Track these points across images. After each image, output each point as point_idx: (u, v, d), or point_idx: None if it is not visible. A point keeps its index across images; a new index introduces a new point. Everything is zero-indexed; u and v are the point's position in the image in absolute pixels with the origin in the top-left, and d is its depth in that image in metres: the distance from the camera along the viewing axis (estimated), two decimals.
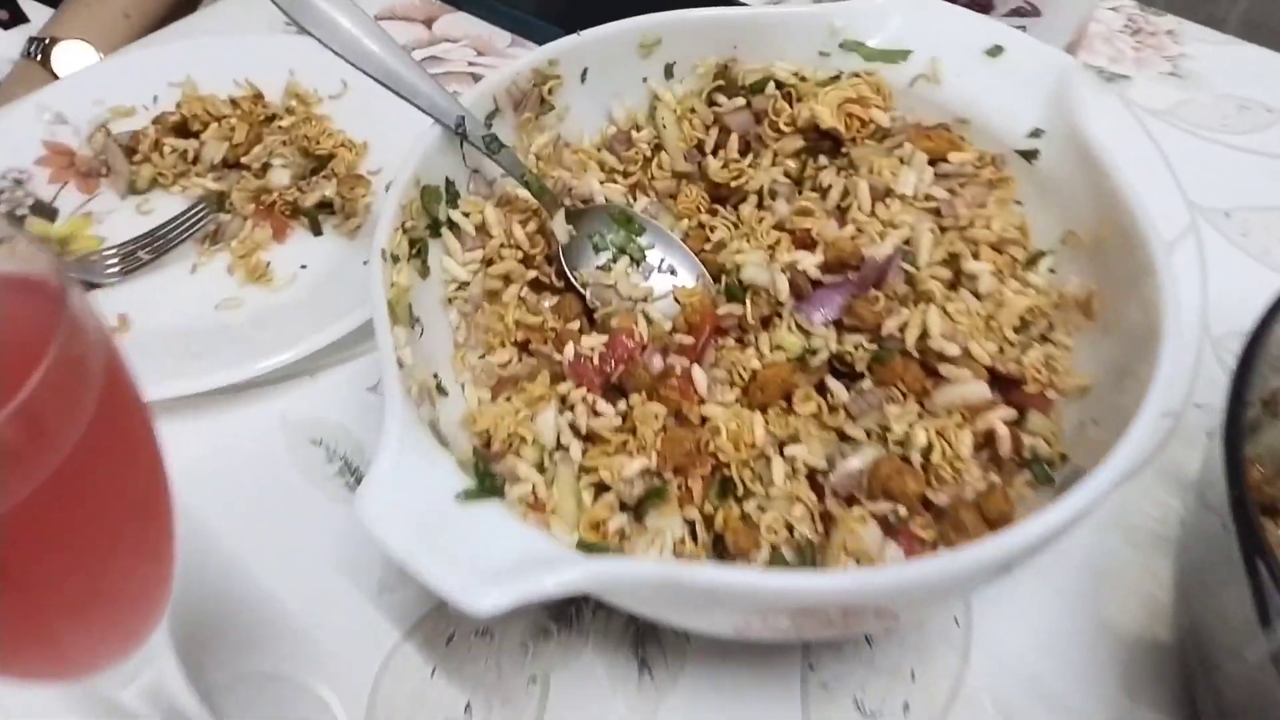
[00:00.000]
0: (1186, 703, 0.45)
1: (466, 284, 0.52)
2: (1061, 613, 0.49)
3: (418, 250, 0.49)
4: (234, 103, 0.73)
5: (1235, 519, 0.38)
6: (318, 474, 0.55)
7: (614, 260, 0.55)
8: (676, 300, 0.54)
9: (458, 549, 0.35)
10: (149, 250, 0.65)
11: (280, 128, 0.72)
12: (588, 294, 0.53)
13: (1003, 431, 0.45)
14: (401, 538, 0.35)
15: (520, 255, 0.54)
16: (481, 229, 0.53)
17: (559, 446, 0.47)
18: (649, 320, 0.52)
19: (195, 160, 0.70)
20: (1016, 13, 0.63)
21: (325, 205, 0.67)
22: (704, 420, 0.48)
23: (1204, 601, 0.45)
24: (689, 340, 0.51)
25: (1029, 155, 0.52)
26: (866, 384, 0.48)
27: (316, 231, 0.67)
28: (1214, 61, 0.79)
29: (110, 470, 0.28)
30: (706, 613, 0.38)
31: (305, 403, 0.58)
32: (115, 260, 0.65)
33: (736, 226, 0.55)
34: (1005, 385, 0.47)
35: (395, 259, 0.47)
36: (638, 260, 0.55)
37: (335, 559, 0.51)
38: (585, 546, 0.45)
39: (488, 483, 0.40)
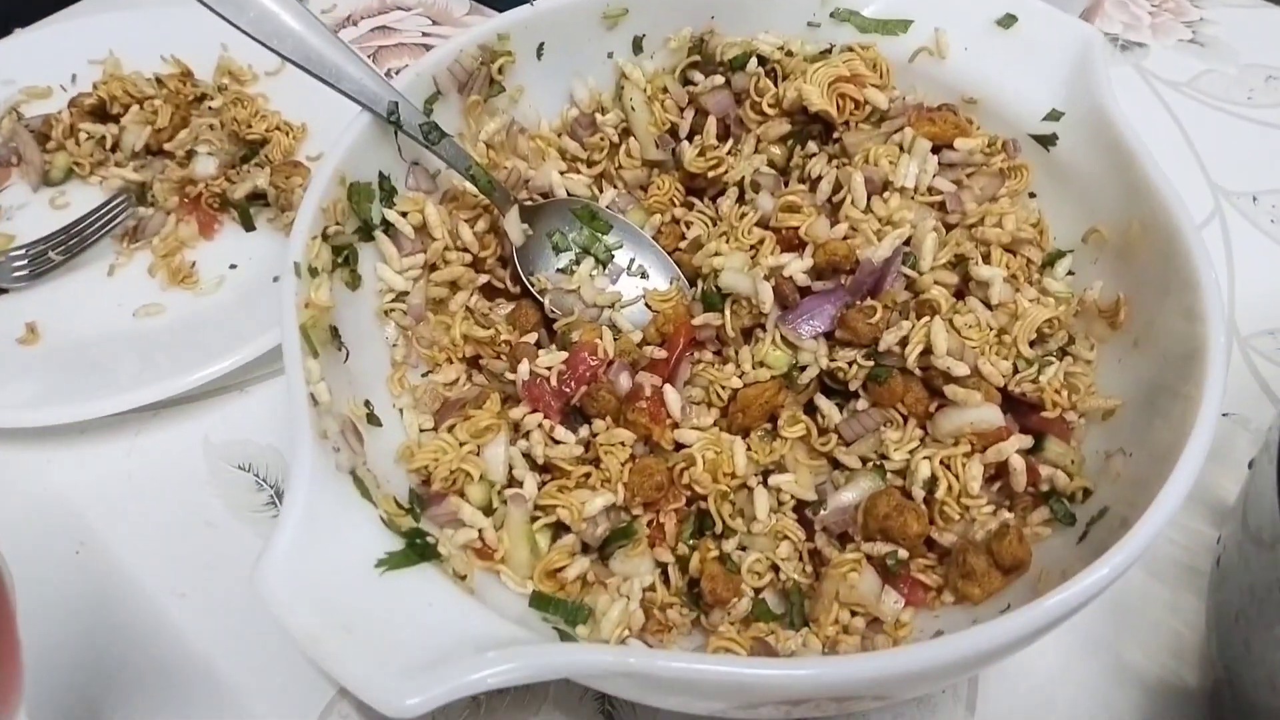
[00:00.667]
0: None
1: (406, 293, 0.46)
2: (1076, 654, 0.44)
3: (345, 258, 0.43)
4: (159, 81, 0.66)
5: None
6: (244, 505, 0.49)
7: (577, 262, 0.49)
8: (648, 306, 0.47)
9: (376, 634, 0.30)
10: (61, 250, 0.58)
11: (210, 109, 0.65)
12: (546, 301, 0.47)
13: (1018, 464, 0.39)
14: (308, 622, 0.29)
15: (469, 258, 0.48)
16: (422, 230, 0.46)
17: (511, 482, 0.41)
18: (616, 331, 0.46)
19: (115, 148, 0.63)
20: None
21: (258, 197, 0.61)
22: (678, 447, 0.43)
23: (1247, 651, 0.39)
24: (661, 354, 0.45)
25: (1046, 141, 0.46)
26: (861, 405, 0.43)
27: (248, 226, 0.60)
28: (1238, 27, 0.73)
29: None
30: (674, 699, 0.32)
31: (232, 422, 0.52)
32: (24, 261, 0.58)
33: (715, 223, 0.49)
34: (1019, 408, 0.41)
35: (314, 272, 0.40)
36: (604, 262, 0.49)
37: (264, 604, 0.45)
38: (540, 600, 0.39)
39: (417, 542, 0.34)
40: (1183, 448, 0.33)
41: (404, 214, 0.45)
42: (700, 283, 0.46)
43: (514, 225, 0.47)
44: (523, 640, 0.30)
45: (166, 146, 0.63)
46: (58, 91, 0.68)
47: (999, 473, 0.40)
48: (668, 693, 0.30)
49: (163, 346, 0.54)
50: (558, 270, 0.48)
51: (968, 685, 0.42)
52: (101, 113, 0.65)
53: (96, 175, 0.63)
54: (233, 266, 0.59)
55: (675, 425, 0.43)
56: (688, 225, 0.50)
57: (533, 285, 0.48)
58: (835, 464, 0.42)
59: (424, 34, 0.76)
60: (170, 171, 0.61)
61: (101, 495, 0.49)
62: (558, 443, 0.42)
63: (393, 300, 0.45)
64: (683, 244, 0.50)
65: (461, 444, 0.40)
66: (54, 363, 0.54)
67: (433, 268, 0.47)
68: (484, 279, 0.48)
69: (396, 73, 0.46)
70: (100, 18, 0.73)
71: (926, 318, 0.41)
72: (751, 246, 0.46)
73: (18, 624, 0.27)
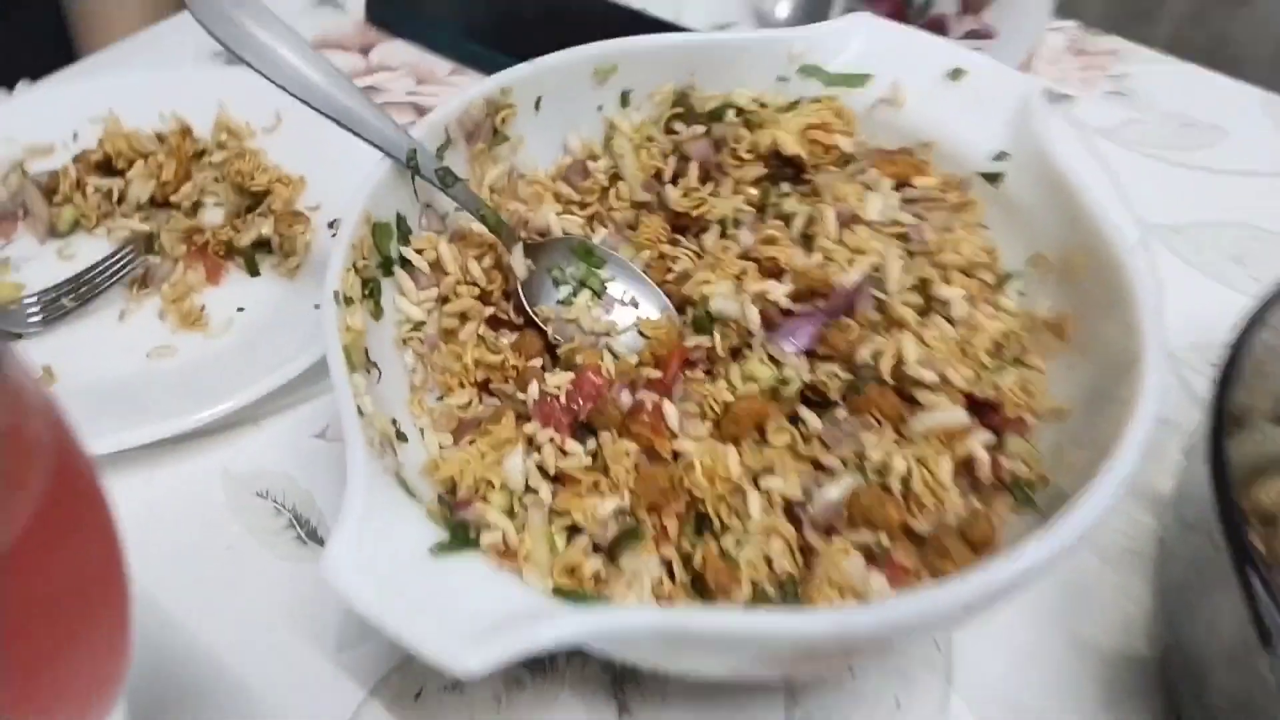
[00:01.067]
0: (1168, 716, 0.45)
1: (422, 324, 0.50)
2: (1039, 632, 0.48)
3: (370, 291, 0.47)
4: (160, 138, 0.70)
5: (1225, 535, 0.38)
6: (265, 529, 0.52)
7: (575, 294, 0.53)
8: (641, 334, 0.52)
9: (438, 606, 0.33)
10: (73, 297, 0.61)
11: (211, 164, 0.68)
12: (549, 329, 0.51)
13: (982, 455, 0.44)
14: (375, 599, 0.32)
15: (477, 292, 0.52)
16: (436, 266, 0.50)
17: (528, 490, 0.45)
18: (614, 355, 0.50)
19: (120, 200, 0.67)
20: (972, 35, 0.63)
21: (262, 244, 0.64)
22: (676, 456, 0.47)
23: (1188, 619, 0.44)
24: (657, 374, 0.49)
25: (993, 178, 0.51)
26: (841, 413, 0.47)
27: (253, 272, 0.64)
28: (1157, 80, 0.81)
29: (64, 544, 0.25)
30: (703, 657, 0.36)
31: (247, 453, 0.55)
32: (37, 308, 0.61)
33: (700, 256, 0.54)
34: (982, 409, 0.46)
35: (349, 301, 0.44)
36: (599, 293, 0.53)
37: (289, 618, 0.48)
38: (561, 593, 0.42)
39: (461, 534, 0.37)
40: (1124, 437, 0.38)
41: (419, 251, 0.49)
42: (690, 309, 0.51)
43: (519, 261, 0.52)
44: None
45: (172, 199, 0.66)
46: (59, 148, 0.71)
47: (967, 466, 0.45)
48: (703, 649, 0.34)
49: (177, 385, 0.57)
50: (558, 302, 0.53)
51: (945, 660, 0.47)
52: (107, 167, 0.68)
53: (103, 226, 0.66)
54: (240, 309, 0.62)
55: (674, 436, 0.47)
56: (674, 260, 0.54)
57: (536, 315, 0.52)
58: (819, 466, 0.47)
59: (409, 93, 0.80)
60: (176, 222, 0.65)
61: (125, 524, 0.52)
62: (568, 454, 0.46)
63: (410, 330, 0.49)
64: (670, 277, 0.54)
65: (483, 455, 0.44)
66: (72, 403, 0.55)
67: (445, 300, 0.51)
68: (490, 311, 0.52)
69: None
70: (98, 79, 0.76)
71: (897, 332, 0.46)
72: (736, 275, 0.51)
73: (131, 606, 0.30)
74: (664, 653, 0.35)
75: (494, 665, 0.31)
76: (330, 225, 0.66)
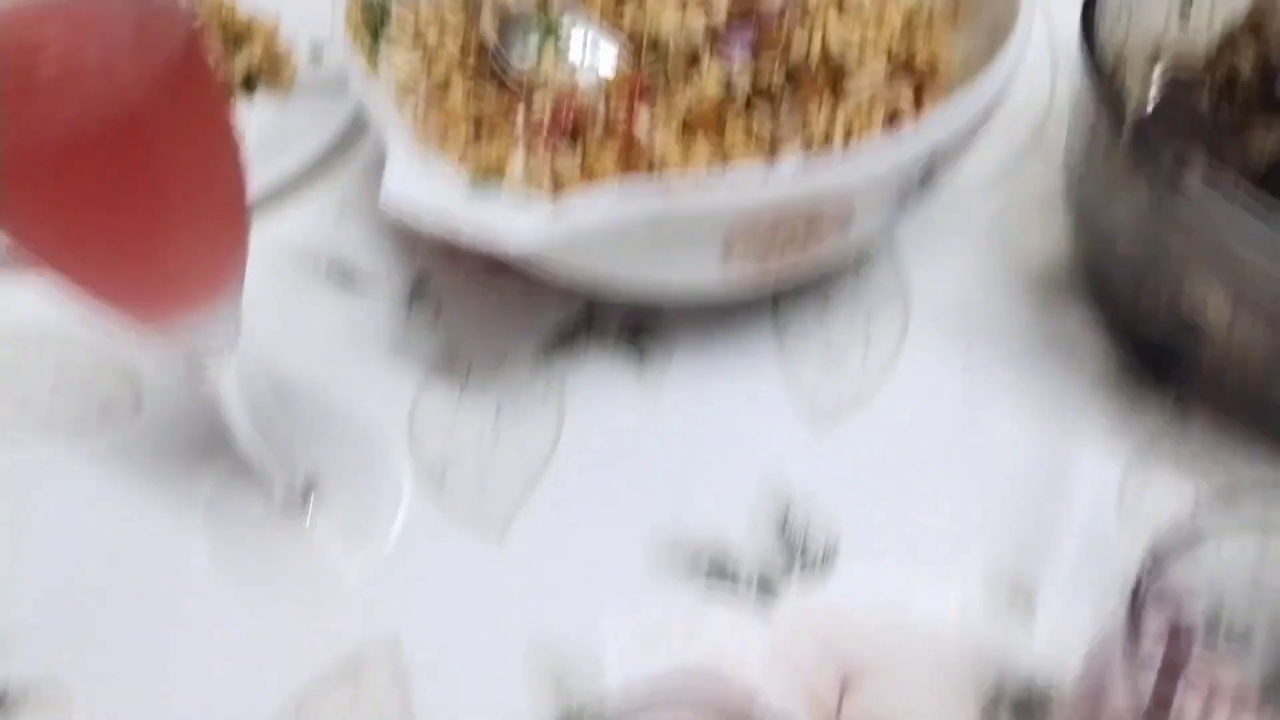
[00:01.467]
0: (1086, 299, 0.55)
1: (413, 90, 0.57)
2: (979, 256, 0.58)
3: (368, 54, 0.54)
4: None
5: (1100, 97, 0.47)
6: (307, 284, 0.59)
7: (541, 49, 0.60)
8: (605, 77, 0.60)
9: (486, 208, 0.41)
10: None
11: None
12: (524, 82, 0.59)
13: (907, 105, 0.53)
14: (435, 198, 0.40)
15: (457, 56, 0.59)
16: (418, 36, 0.58)
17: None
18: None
19: None
20: None
21: (253, 78, 0.71)
22: (652, 155, 0.55)
23: (1095, 220, 0.53)
24: (624, 100, 0.57)
25: None
26: (785, 98, 0.55)
27: (250, 90, 0.71)
28: None
29: (193, 117, 0.33)
30: (694, 232, 0.44)
31: (281, 233, 0.62)
32: None
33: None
34: (901, 73, 0.55)
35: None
36: (563, 50, 0.61)
37: (345, 341, 0.56)
38: None
39: (490, 175, 0.46)
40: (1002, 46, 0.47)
41: (402, 24, 0.57)
42: (644, 43, 0.59)
43: (489, 27, 0.59)
44: None
45: None
46: None
47: (894, 119, 0.54)
48: (696, 217, 0.42)
49: None
50: (528, 60, 0.60)
51: (900, 284, 0.57)
52: None
53: None
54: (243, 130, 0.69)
55: (645, 139, 0.55)
56: (622, 14, 0.62)
57: (511, 73, 0.59)
58: (774, 146, 0.55)
59: None
60: None
61: None
62: (559, 163, 0.54)
63: (404, 93, 0.56)
64: (622, 26, 0.62)
65: (495, 149, 0.52)
66: None
67: (430, 67, 0.58)
68: (470, 77, 0.60)
69: None
70: None
71: (821, 23, 0.55)
72: (679, 9, 0.59)
73: (247, 191, 0.37)
74: (665, 234, 0.44)
75: (543, 239, 0.39)
76: (313, 59, 0.73)
